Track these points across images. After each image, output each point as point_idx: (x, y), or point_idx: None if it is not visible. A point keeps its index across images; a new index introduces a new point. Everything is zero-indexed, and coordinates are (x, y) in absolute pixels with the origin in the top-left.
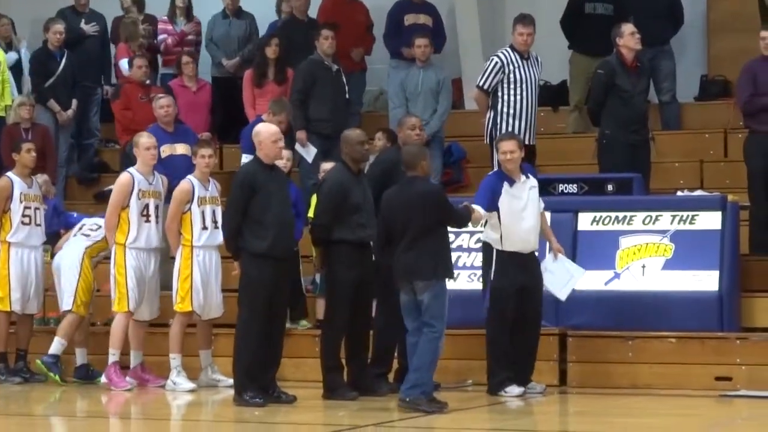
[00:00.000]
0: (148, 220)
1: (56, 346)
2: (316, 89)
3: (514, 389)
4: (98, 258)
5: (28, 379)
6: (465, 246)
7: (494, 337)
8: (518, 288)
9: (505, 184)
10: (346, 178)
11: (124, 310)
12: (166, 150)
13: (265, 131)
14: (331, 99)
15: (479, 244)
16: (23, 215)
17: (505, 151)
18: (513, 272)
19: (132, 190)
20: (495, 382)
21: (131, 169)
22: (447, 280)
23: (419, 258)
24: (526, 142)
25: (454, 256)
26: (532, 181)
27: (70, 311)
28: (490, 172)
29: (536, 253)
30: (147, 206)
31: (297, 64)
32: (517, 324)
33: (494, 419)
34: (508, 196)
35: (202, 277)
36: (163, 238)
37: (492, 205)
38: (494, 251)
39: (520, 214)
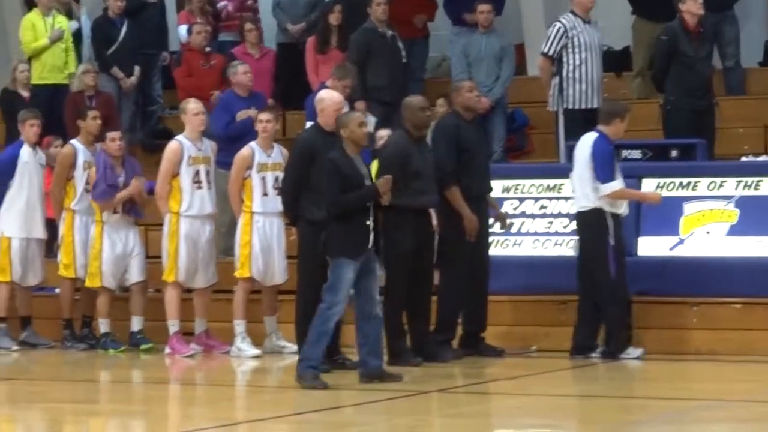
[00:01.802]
0: (200, 187)
1: (101, 327)
2: (372, 57)
3: (633, 351)
4: (109, 214)
5: (93, 345)
6: (528, 212)
7: (617, 300)
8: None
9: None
10: (406, 145)
11: (172, 280)
12: (242, 115)
13: (329, 99)
14: (389, 66)
15: (543, 211)
16: (87, 183)
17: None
18: (621, 235)
19: (182, 158)
20: (616, 345)
21: (179, 137)
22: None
23: (326, 229)
24: (592, 106)
25: (517, 221)
26: None
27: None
28: (597, 137)
29: None
30: (198, 172)
31: None
32: None
33: (558, 385)
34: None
35: (261, 244)
36: (219, 203)
37: (614, 174)
38: (608, 216)
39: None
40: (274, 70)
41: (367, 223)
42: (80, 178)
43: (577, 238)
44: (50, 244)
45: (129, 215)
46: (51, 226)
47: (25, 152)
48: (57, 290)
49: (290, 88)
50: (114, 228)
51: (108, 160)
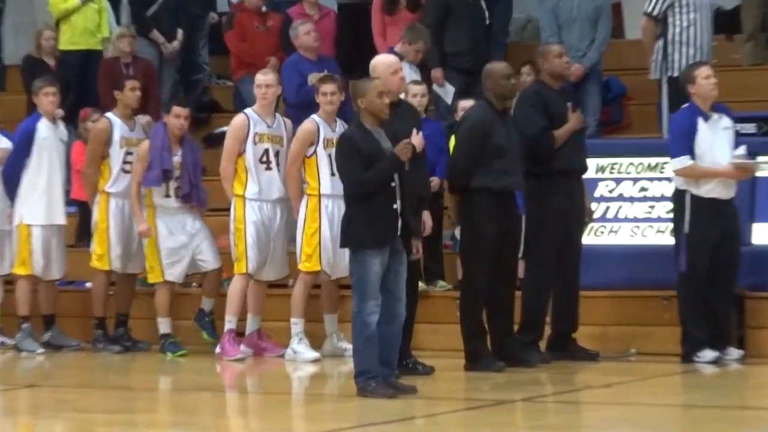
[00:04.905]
0: (268, 168)
1: (160, 327)
2: (451, 20)
3: (708, 354)
4: (162, 197)
5: (129, 347)
6: (626, 195)
7: (686, 297)
8: (715, 240)
9: (701, 120)
10: (488, 117)
11: (242, 272)
12: (314, 78)
13: (381, 63)
14: (469, 29)
15: (643, 193)
16: (124, 162)
17: (708, 75)
18: (709, 221)
19: (247, 134)
20: (689, 349)
21: (247, 110)
22: (366, 249)
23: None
24: None
25: (614, 206)
26: (726, 122)
27: None
28: (682, 108)
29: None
30: (266, 152)
31: None
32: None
33: (659, 394)
34: (705, 134)
35: (331, 232)
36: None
37: (691, 150)
38: (688, 199)
39: (717, 153)
40: (336, 33)
41: (394, 206)
42: (116, 156)
43: None
44: (84, 232)
45: (186, 202)
46: (84, 210)
47: (43, 126)
48: (88, 284)
49: (354, 53)
50: (169, 214)
51: (166, 139)
